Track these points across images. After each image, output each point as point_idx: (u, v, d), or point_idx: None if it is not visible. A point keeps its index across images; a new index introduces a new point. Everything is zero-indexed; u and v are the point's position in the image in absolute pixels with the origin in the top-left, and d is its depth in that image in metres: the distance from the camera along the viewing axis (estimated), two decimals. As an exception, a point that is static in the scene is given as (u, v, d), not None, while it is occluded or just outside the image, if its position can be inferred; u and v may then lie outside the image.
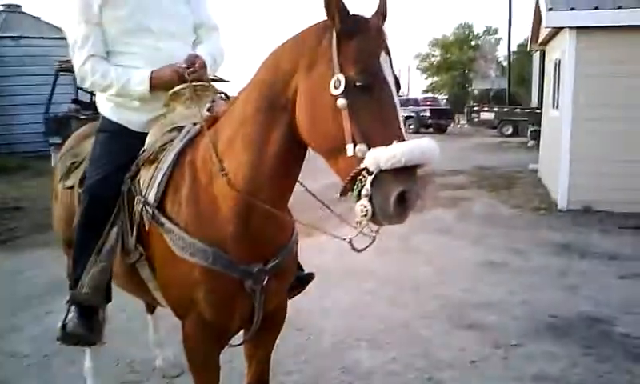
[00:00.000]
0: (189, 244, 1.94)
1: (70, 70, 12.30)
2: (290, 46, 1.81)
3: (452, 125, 30.76)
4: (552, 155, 9.73)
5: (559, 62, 9.63)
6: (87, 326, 2.33)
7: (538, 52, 16.80)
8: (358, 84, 1.58)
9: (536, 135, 16.80)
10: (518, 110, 25.76)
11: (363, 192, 1.56)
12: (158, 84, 2.30)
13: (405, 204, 1.54)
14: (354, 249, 1.78)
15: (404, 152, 1.51)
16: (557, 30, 9.61)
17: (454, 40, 50.52)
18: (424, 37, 50.12)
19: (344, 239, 1.80)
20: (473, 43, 50.23)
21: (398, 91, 1.67)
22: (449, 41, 50.90)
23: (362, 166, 1.56)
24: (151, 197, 2.08)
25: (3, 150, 14.85)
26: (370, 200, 1.55)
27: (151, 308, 3.56)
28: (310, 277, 2.47)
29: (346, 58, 1.61)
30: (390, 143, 1.53)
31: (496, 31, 49.18)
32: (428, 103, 30.24)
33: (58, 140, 11.79)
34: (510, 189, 10.52)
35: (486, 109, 27.19)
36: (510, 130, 24.56)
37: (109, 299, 2.38)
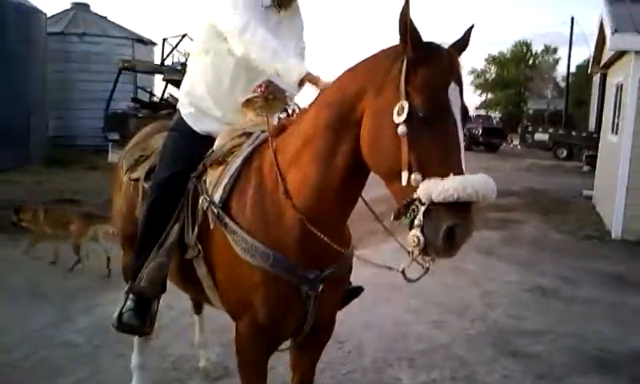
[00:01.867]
0: (251, 245, 2.00)
1: (132, 69, 12.80)
2: (362, 68, 1.86)
3: (504, 144, 30.18)
4: (608, 182, 9.43)
5: (621, 86, 9.35)
6: (142, 318, 2.41)
7: (598, 75, 16.31)
8: (420, 114, 1.59)
9: (591, 160, 16.32)
10: (574, 133, 25.06)
11: (415, 222, 1.59)
12: (309, 81, 2.14)
13: (454, 239, 1.55)
14: (406, 279, 1.79)
15: (457, 187, 1.52)
16: (621, 54, 9.32)
17: (510, 57, 49.63)
18: (480, 52, 49.29)
19: (397, 269, 1.82)
20: (530, 62, 49.24)
21: (465, 122, 1.67)
22: (505, 58, 50.04)
23: (416, 195, 1.58)
24: (217, 197, 2.15)
25: (63, 143, 15.42)
26: (422, 231, 1.57)
27: (198, 308, 3.63)
28: (359, 290, 2.49)
29: (413, 87, 1.62)
30: (446, 176, 1.54)
31: (555, 51, 48.12)
32: (481, 121, 29.73)
33: (115, 136, 12.24)
34: (562, 214, 10.23)
35: (540, 130, 26.58)
36: (565, 154, 23.93)
37: (164, 290, 2.46)
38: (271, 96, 2.35)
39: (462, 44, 1.80)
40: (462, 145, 1.64)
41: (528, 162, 21.70)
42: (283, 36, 2.41)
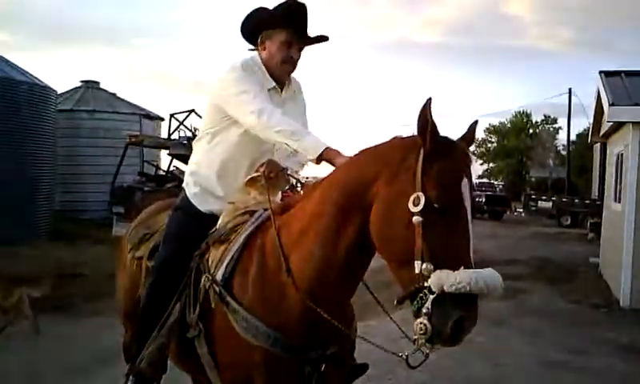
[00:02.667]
0: (252, 325, 1.99)
1: (139, 143, 13.01)
2: (375, 154, 1.92)
3: (508, 212, 30.21)
4: (613, 250, 9.38)
5: (622, 155, 9.45)
6: None
7: (599, 144, 16.53)
8: (436, 205, 1.66)
9: (596, 228, 16.27)
10: (577, 200, 25.14)
11: (423, 310, 1.62)
12: (326, 159, 2.17)
13: (461, 330, 1.61)
14: (409, 366, 1.83)
15: (470, 281, 1.58)
16: (619, 124, 9.48)
17: (511, 127, 50.42)
18: (481, 123, 50.19)
19: (400, 355, 1.85)
20: (530, 131, 49.96)
21: (473, 215, 1.74)
22: (506, 128, 50.82)
23: (426, 284, 1.62)
24: (219, 276, 2.16)
25: (69, 216, 15.51)
26: (430, 319, 1.60)
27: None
28: (363, 367, 2.45)
29: (430, 179, 1.69)
30: (457, 268, 1.60)
31: (555, 120, 48.89)
32: (484, 189, 29.91)
33: (121, 209, 12.31)
34: (568, 282, 10.12)
35: (543, 197, 26.68)
36: (569, 221, 23.90)
37: (164, 371, 2.42)
38: (273, 174, 2.40)
39: (470, 138, 1.90)
40: (472, 237, 1.71)
41: (532, 230, 21.64)
42: (287, 115, 2.46)
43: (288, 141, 2.19)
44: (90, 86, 18.93)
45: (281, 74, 2.50)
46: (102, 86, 19.40)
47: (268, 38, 2.48)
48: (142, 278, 2.64)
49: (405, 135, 1.93)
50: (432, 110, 1.72)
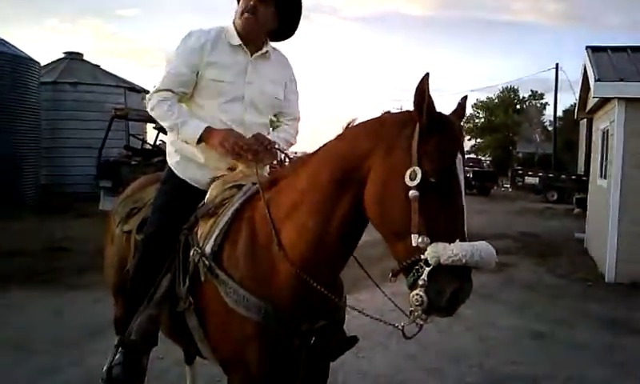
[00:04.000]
0: (242, 297, 1.99)
1: (124, 117, 12.87)
2: (370, 127, 1.91)
3: (495, 187, 30.44)
4: (599, 226, 9.49)
5: (607, 131, 9.51)
6: (132, 371, 2.37)
7: (585, 119, 16.61)
8: (432, 180, 1.66)
9: (582, 203, 16.44)
10: (563, 176, 25.35)
11: (419, 282, 1.64)
12: (207, 142, 2.39)
13: (456, 301, 1.65)
14: (405, 336, 1.85)
15: (466, 252, 1.61)
16: (605, 100, 9.51)
17: (498, 103, 50.54)
18: (469, 98, 50.32)
19: (396, 325, 1.89)
20: (518, 107, 50.13)
21: (465, 190, 1.76)
22: (493, 103, 50.94)
23: (422, 256, 1.64)
24: (208, 249, 2.14)
25: (54, 190, 15.39)
26: (426, 291, 1.63)
27: (190, 359, 3.57)
28: (353, 340, 2.45)
29: (426, 153, 1.70)
30: (453, 241, 1.62)
31: (542, 96, 49.09)
32: (471, 164, 30.05)
33: (107, 183, 12.20)
34: (555, 257, 10.23)
35: (530, 173, 26.86)
36: (555, 196, 24.11)
37: (155, 343, 2.41)
38: (261, 148, 2.39)
39: (460, 113, 1.90)
40: (465, 213, 1.72)
41: (519, 205, 21.84)
42: (257, 77, 2.52)
43: (168, 129, 2.47)
44: (74, 57, 18.64)
45: (244, 27, 2.48)
46: (85, 58, 19.10)
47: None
48: (132, 251, 2.61)
49: (395, 111, 1.95)
50: (429, 85, 1.72)
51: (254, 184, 2.28)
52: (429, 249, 1.62)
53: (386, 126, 1.85)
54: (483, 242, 1.69)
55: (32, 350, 4.82)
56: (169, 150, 2.66)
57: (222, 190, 2.35)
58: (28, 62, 13.90)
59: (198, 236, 2.24)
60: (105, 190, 12.23)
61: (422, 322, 1.72)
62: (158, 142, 14.53)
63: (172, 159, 2.62)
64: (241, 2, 2.48)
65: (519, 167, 31.42)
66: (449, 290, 1.61)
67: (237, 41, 2.49)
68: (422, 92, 1.71)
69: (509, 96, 50.61)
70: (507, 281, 8.32)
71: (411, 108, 1.76)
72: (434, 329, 5.58)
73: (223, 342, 2.10)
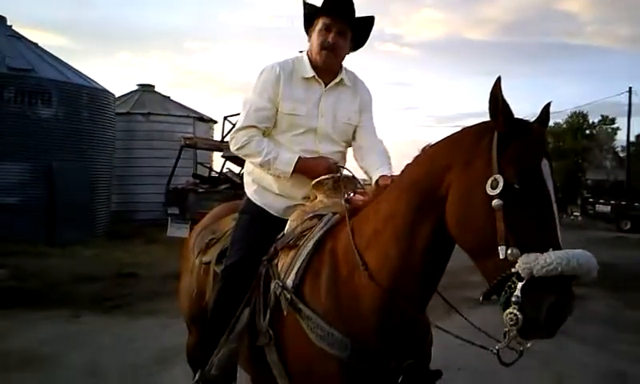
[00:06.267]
0: (327, 333, 1.93)
1: (193, 146, 13.25)
2: (447, 143, 1.86)
3: (564, 216, 29.29)
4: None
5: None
6: None
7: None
8: (516, 186, 1.57)
9: (660, 232, 15.55)
10: (637, 203, 24.11)
11: (513, 299, 1.51)
12: (303, 171, 2.40)
13: (556, 317, 1.49)
14: (501, 362, 1.71)
15: (561, 261, 1.47)
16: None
17: (567, 128, 48.90)
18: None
19: (491, 350, 1.72)
20: (587, 132, 48.32)
21: (556, 196, 1.64)
22: (562, 128, 49.34)
23: (513, 270, 1.51)
24: (289, 282, 2.12)
25: (125, 217, 15.93)
26: (520, 309, 1.49)
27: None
28: (437, 375, 2.36)
29: (507, 160, 1.61)
30: (545, 250, 1.49)
31: (613, 121, 47.15)
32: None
33: (175, 210, 12.51)
34: (633, 290, 9.67)
35: (601, 201, 25.71)
36: (629, 225, 22.96)
37: (234, 378, 2.40)
38: (342, 178, 2.38)
39: (545, 120, 1.81)
40: (557, 220, 1.60)
41: (591, 235, 20.87)
42: (333, 106, 2.51)
43: (259, 166, 2.47)
44: (146, 89, 19.39)
45: (321, 61, 2.49)
46: (156, 89, 19.85)
47: (313, 29, 2.51)
48: (210, 282, 2.63)
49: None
50: (502, 89, 1.64)
51: (334, 214, 2.26)
52: (519, 261, 1.50)
53: (463, 138, 1.79)
54: (580, 249, 1.56)
55: (103, 376, 4.92)
56: (246, 180, 2.69)
57: (302, 221, 2.33)
58: (104, 93, 14.55)
59: (279, 268, 2.22)
60: (172, 216, 12.53)
61: (519, 346, 1.60)
62: (224, 170, 14.83)
63: (249, 189, 2.65)
64: (317, 35, 2.47)
65: (589, 194, 30.18)
66: (546, 304, 1.48)
67: (310, 73, 2.50)
68: (496, 98, 1.65)
69: (577, 121, 48.88)
70: (583, 314, 7.88)
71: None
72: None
73: (305, 379, 2.05)
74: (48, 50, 14.55)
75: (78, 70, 14.50)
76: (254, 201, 2.60)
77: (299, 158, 2.41)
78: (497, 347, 1.68)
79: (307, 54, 2.55)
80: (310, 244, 2.16)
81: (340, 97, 2.57)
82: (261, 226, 2.48)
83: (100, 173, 14.16)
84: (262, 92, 2.48)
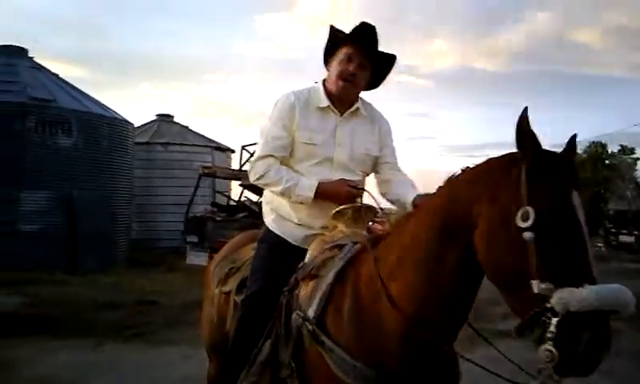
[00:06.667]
0: (351, 366, 1.89)
1: (211, 175, 13.39)
2: (473, 174, 1.83)
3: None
4: None
5: None
6: None
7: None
8: (548, 218, 1.53)
9: (686, 264, 15.18)
10: (661, 234, 23.64)
11: (547, 335, 1.47)
12: (324, 196, 2.39)
13: (594, 353, 1.45)
14: None
15: (598, 296, 1.43)
16: None
17: (586, 158, 48.50)
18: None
19: None
20: (607, 162, 47.85)
21: (587, 228, 1.60)
22: (581, 158, 48.92)
23: (548, 305, 1.47)
24: (311, 313, 2.08)
25: (144, 245, 16.00)
26: (556, 344, 1.45)
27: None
28: None
29: (537, 192, 1.57)
30: (580, 284, 1.46)
31: (632, 151, 46.65)
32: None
33: (194, 239, 12.57)
34: (663, 324, 9.39)
35: (624, 231, 25.27)
36: (654, 257, 22.45)
37: None
38: (363, 207, 2.36)
39: (572, 150, 1.78)
40: (591, 253, 1.56)
41: (615, 266, 20.37)
42: (350, 137, 2.49)
43: (279, 194, 2.46)
44: (165, 119, 19.65)
45: (337, 90, 2.47)
46: (175, 119, 20.10)
47: (334, 58, 2.49)
48: (231, 312, 2.61)
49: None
50: (529, 120, 1.62)
51: (354, 244, 2.23)
52: (554, 296, 1.47)
53: (491, 169, 1.76)
54: (616, 284, 1.52)
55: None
56: (265, 209, 2.68)
57: (322, 251, 2.30)
58: (123, 123, 14.74)
59: (300, 298, 2.19)
60: (191, 244, 12.58)
61: (554, 383, 1.53)
62: (242, 199, 14.90)
63: (268, 218, 2.63)
64: (337, 65, 2.46)
65: (611, 225, 29.71)
66: (583, 340, 1.44)
67: (325, 102, 2.49)
68: (524, 128, 1.63)
69: (596, 151, 48.49)
70: (613, 351, 7.69)
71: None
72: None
73: None
74: (69, 80, 14.84)
75: (97, 100, 14.73)
76: (273, 230, 2.58)
77: (319, 183, 2.39)
78: None
79: (323, 84, 2.54)
80: (331, 274, 2.13)
81: (356, 127, 2.55)
82: (280, 256, 2.46)
83: (120, 201, 14.27)
84: (278, 121, 2.48)
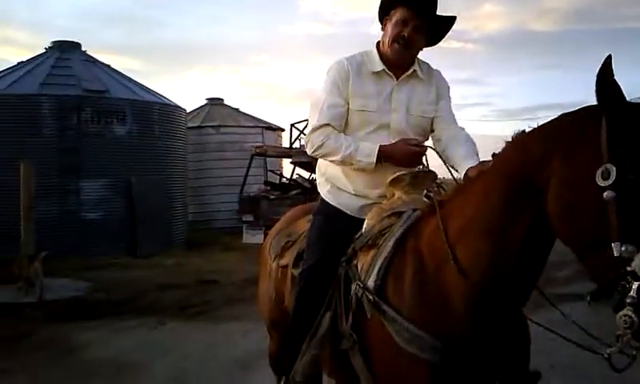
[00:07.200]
0: (415, 336, 1.82)
1: (263, 154, 13.52)
2: (543, 131, 1.70)
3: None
4: None
5: None
6: None
7: None
8: (630, 176, 1.40)
9: None
10: None
11: (628, 300, 1.37)
12: (386, 158, 2.29)
13: None
14: (613, 368, 1.54)
15: None
16: None
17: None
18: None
19: (602, 355, 1.56)
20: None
21: None
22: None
23: (629, 269, 1.37)
24: (371, 283, 2.02)
25: (201, 226, 16.35)
26: (636, 310, 1.35)
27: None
28: (536, 377, 2.19)
29: (619, 148, 1.44)
30: None
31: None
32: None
33: (249, 218, 12.74)
34: None
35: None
36: None
37: (319, 383, 2.34)
38: (421, 173, 2.26)
39: None
40: None
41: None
42: (399, 105, 2.38)
43: (340, 162, 2.36)
44: (215, 103, 19.86)
45: (392, 55, 2.36)
46: (225, 102, 20.28)
47: (389, 20, 2.38)
48: (289, 286, 2.58)
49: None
50: (612, 70, 1.48)
51: (414, 210, 2.15)
52: (636, 258, 1.36)
53: (563, 125, 1.63)
54: None
55: (188, 382, 5.01)
56: (319, 180, 2.63)
57: (380, 219, 2.23)
58: (175, 109, 15.00)
59: (359, 269, 2.13)
60: (247, 223, 12.76)
61: (633, 352, 1.45)
62: (294, 176, 14.97)
63: (323, 189, 2.57)
64: (392, 27, 2.35)
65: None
66: None
67: (380, 67, 2.39)
68: (606, 79, 1.49)
69: None
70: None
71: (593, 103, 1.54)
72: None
73: (393, 383, 1.95)
74: (121, 71, 15.18)
75: (149, 88, 15.02)
76: (329, 201, 2.52)
77: (380, 146, 2.30)
78: (608, 351, 1.53)
79: (377, 47, 2.45)
80: (391, 243, 2.06)
81: (413, 89, 2.43)
82: (337, 227, 2.40)
83: (175, 185, 14.60)
84: (333, 89, 2.39)
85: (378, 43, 2.45)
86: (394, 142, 2.33)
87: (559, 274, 6.41)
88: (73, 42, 14.70)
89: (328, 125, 2.37)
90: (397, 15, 2.34)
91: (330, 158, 2.40)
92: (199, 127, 17.93)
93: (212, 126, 18.09)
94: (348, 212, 2.44)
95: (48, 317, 7.12)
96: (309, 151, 2.44)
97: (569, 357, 1.79)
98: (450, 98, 2.56)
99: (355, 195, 2.43)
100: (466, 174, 2.09)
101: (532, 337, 2.02)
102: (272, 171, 16.04)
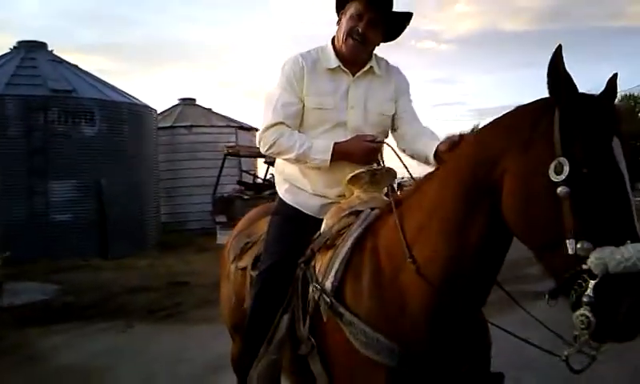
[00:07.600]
0: (372, 339, 1.76)
1: (236, 154, 13.39)
2: (498, 125, 1.65)
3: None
4: None
5: None
6: None
7: None
8: (584, 170, 1.35)
9: None
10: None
11: (584, 299, 1.32)
12: (341, 156, 2.24)
13: (636, 319, 1.29)
14: (571, 370, 1.49)
15: None
16: None
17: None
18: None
19: (559, 356, 1.52)
20: (640, 115, 46.43)
21: (632, 180, 1.41)
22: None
23: (584, 267, 1.32)
24: (328, 285, 1.95)
25: (174, 228, 16.17)
26: (593, 310, 1.30)
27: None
28: (498, 378, 2.14)
29: (572, 141, 1.39)
30: (622, 243, 1.29)
31: (664, 102, 45.10)
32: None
33: (223, 218, 12.64)
34: None
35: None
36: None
37: None
38: (380, 170, 2.21)
39: (612, 93, 1.56)
40: (634, 208, 1.38)
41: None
42: (356, 102, 2.32)
43: (294, 161, 2.31)
44: (187, 103, 19.67)
45: (346, 50, 2.29)
46: (198, 102, 20.09)
47: (344, 14, 2.31)
48: (248, 288, 2.50)
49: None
50: (563, 60, 1.43)
51: (372, 209, 2.09)
52: (591, 256, 1.31)
53: (518, 118, 1.58)
54: None
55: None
56: (277, 179, 2.57)
57: (339, 219, 2.16)
58: (145, 109, 14.80)
59: (317, 270, 2.06)
60: (220, 224, 12.65)
61: (592, 352, 1.42)
62: (268, 176, 14.90)
63: (281, 188, 2.51)
64: (346, 22, 2.28)
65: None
66: (624, 306, 1.28)
67: (335, 63, 2.32)
68: (557, 69, 1.43)
69: (629, 104, 47.04)
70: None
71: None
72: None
73: None
74: (92, 71, 14.93)
75: (118, 88, 14.80)
76: (287, 200, 2.45)
77: (335, 143, 2.24)
78: (565, 353, 1.48)
79: (332, 42, 2.37)
80: (349, 243, 1.99)
81: (371, 86, 2.37)
82: (295, 227, 2.33)
83: (147, 186, 14.40)
84: (287, 86, 2.32)
85: (334, 39, 2.38)
86: (349, 138, 2.27)
87: (531, 270, 6.43)
88: (38, 41, 14.45)
89: (282, 123, 2.30)
90: (351, 9, 2.27)
91: (284, 157, 2.34)
92: (171, 127, 17.73)
93: (184, 126, 17.90)
94: (306, 212, 2.38)
95: (14, 321, 6.93)
96: (262, 150, 2.37)
97: (542, 354, 1.76)
98: (410, 94, 2.50)
99: (314, 194, 2.37)
100: (436, 151, 2.04)
101: (504, 335, 1.97)
102: (246, 172, 15.94)
